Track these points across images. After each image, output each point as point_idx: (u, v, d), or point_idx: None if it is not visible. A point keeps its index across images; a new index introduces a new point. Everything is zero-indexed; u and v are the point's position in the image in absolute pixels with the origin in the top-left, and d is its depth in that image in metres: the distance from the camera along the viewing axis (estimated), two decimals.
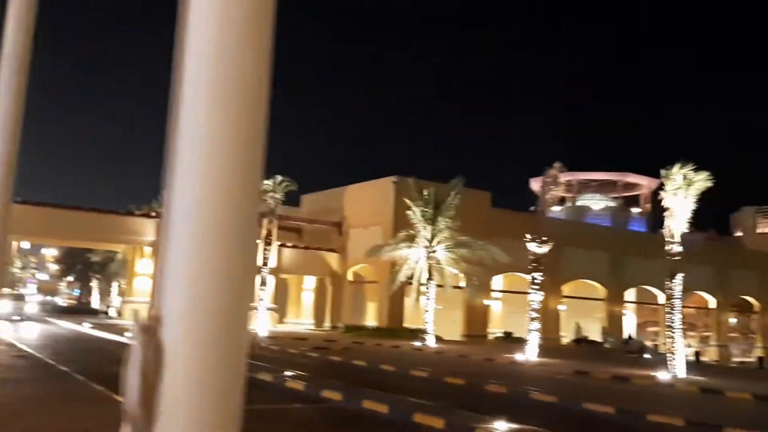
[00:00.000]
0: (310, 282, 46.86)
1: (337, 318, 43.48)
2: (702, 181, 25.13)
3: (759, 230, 47.15)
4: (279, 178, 36.43)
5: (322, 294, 45.65)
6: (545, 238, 29.06)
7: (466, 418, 11.41)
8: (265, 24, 1.11)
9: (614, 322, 41.36)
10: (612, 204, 56.67)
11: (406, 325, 38.71)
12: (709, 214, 48.49)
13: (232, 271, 1.04)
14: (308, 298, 47.05)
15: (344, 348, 27.55)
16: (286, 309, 45.97)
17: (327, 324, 43.75)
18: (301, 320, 45.14)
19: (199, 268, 1.04)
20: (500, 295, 43.04)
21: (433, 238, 33.90)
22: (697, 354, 36.76)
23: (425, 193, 34.37)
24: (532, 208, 37.33)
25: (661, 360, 25.39)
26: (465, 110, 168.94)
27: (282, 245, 39.85)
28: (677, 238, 25.42)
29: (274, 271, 37.64)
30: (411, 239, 34.39)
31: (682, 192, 25.21)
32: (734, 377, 26.34)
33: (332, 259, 44.80)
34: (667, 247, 25.46)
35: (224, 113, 1.04)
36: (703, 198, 25.84)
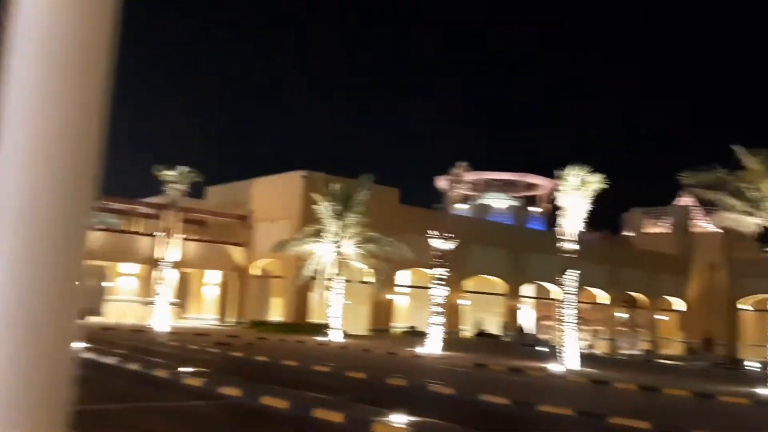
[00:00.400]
0: (213, 276, 45.86)
1: (242, 313, 42.80)
2: (596, 182, 26.46)
3: (645, 230, 50.12)
4: (183, 168, 35.42)
5: (227, 289, 44.82)
6: (450, 235, 29.75)
7: (365, 412, 11.54)
8: (105, 13, 1.07)
9: (513, 317, 42.96)
10: (514, 203, 58.79)
11: (311, 320, 38.63)
12: (605, 215, 51.12)
13: (54, 271, 1.01)
14: (212, 292, 46.05)
15: (247, 344, 27.17)
16: (189, 304, 44.80)
17: (231, 319, 42.99)
18: (204, 315, 44.12)
19: (20, 268, 1.01)
20: (407, 290, 43.74)
21: (341, 233, 33.97)
22: (588, 347, 38.79)
23: (334, 188, 34.39)
24: (437, 206, 38.15)
25: (554, 353, 26.57)
26: (374, 109, 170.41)
27: (186, 238, 38.78)
28: (572, 237, 26.69)
29: (177, 265, 36.59)
30: (318, 234, 34.33)
31: (577, 193, 26.47)
32: (622, 369, 27.91)
33: (237, 253, 44.04)
34: (560, 245, 26.70)
35: (49, 117, 1.00)
36: (599, 199, 27.25)
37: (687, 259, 46.67)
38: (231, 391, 13.37)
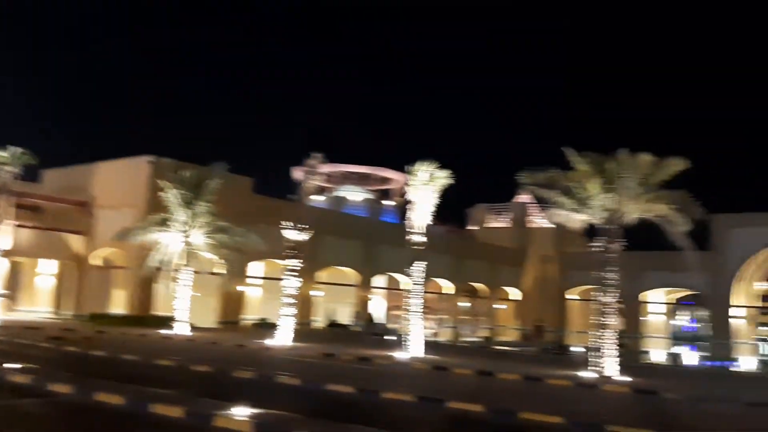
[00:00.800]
0: (49, 266, 42.66)
1: (80, 306, 40.22)
2: (443, 178, 27.65)
3: (488, 225, 53.13)
4: (15, 149, 32.54)
5: (64, 279, 41.88)
6: (304, 226, 29.78)
7: (207, 406, 11.36)
8: None
9: (365, 307, 43.88)
10: (369, 196, 59.95)
11: (157, 312, 37.10)
12: (452, 209, 53.50)
13: None
14: (47, 283, 42.82)
15: (84, 337, 25.61)
16: (20, 296, 41.38)
17: (68, 312, 40.24)
18: (38, 308, 40.96)
19: None
20: (259, 281, 43.22)
21: (189, 222, 32.86)
22: (434, 335, 40.51)
23: (183, 175, 33.17)
24: (292, 197, 38.00)
25: (402, 341, 27.50)
26: (230, 96, 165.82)
27: (18, 225, 35.70)
28: (420, 229, 27.74)
29: (8, 254, 33.62)
30: (165, 223, 32.98)
31: (426, 187, 27.53)
32: (462, 355, 29.45)
33: (76, 241, 41.28)
34: (410, 237, 27.67)
35: None
36: (447, 194, 28.49)
37: (524, 252, 50.05)
38: (62, 387, 12.61)
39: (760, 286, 52.73)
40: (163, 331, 31.20)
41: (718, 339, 41.05)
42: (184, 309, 32.36)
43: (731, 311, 41.73)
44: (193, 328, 32.80)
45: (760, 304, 55.04)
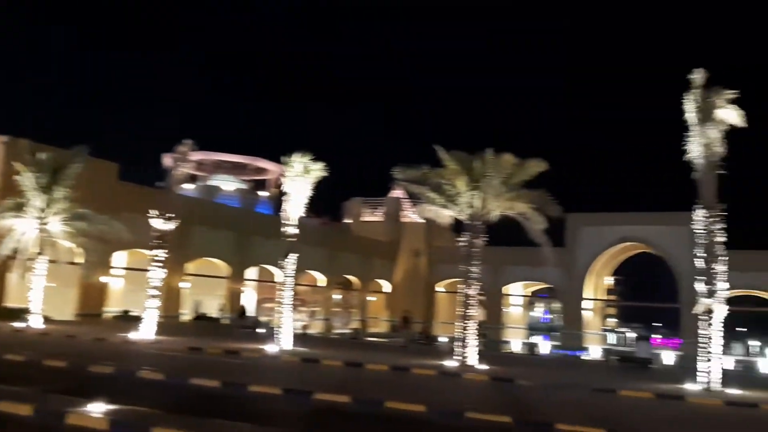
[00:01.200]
0: None
1: None
2: (318, 170, 27.73)
3: (363, 219, 53.86)
4: None
5: None
6: (171, 215, 28.79)
7: (59, 403, 10.81)
8: None
9: (235, 300, 43.11)
10: (242, 186, 58.79)
11: (8, 304, 34.41)
12: (328, 202, 53.73)
13: None
14: None
15: None
16: None
17: None
18: None
19: None
20: (123, 272, 41.25)
21: (46, 208, 30.75)
22: (304, 327, 40.55)
23: (41, 158, 30.96)
24: (161, 184, 36.49)
25: (272, 334, 27.34)
26: (98, 77, 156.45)
27: None
28: (294, 221, 27.67)
29: None
30: (20, 208, 30.66)
31: (300, 179, 27.49)
32: (333, 347, 29.70)
33: None
34: (284, 229, 27.54)
35: None
36: (321, 186, 28.59)
37: (396, 246, 51.25)
38: None
39: (608, 280, 57.32)
40: (15, 324, 29.06)
41: (569, 329, 44.15)
42: (39, 300, 30.28)
43: (583, 304, 44.99)
44: (50, 320, 30.79)
45: (606, 297, 59.87)
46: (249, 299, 45.36)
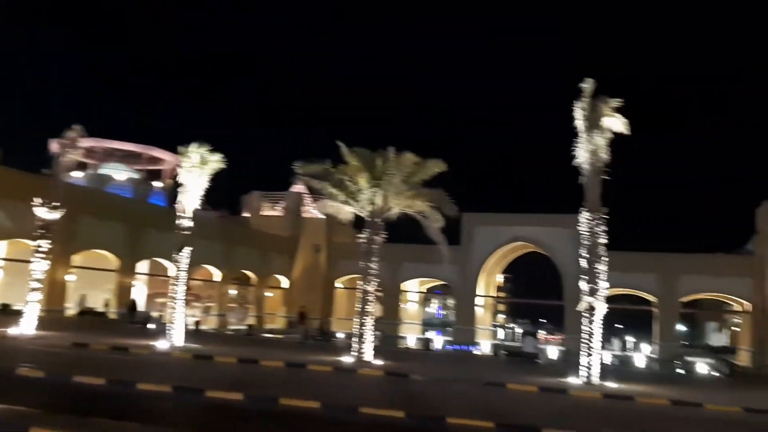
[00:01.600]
0: None
1: None
2: (216, 162, 27.02)
3: (262, 213, 53.02)
4: None
5: None
6: (57, 204, 27.25)
7: None
8: None
9: (126, 294, 41.35)
10: (135, 176, 56.37)
11: None
12: (227, 195, 52.56)
13: None
14: None
15: None
16: None
17: None
18: None
19: None
20: (2, 263, 38.56)
21: None
22: (197, 323, 39.49)
23: None
24: (46, 171, 34.36)
25: (163, 330, 26.47)
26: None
27: None
28: (189, 214, 26.86)
29: None
30: None
31: (197, 170, 26.71)
32: (226, 344, 29.09)
33: None
34: (178, 222, 26.68)
35: None
36: (220, 178, 27.88)
37: (296, 241, 50.81)
38: None
39: (499, 278, 59.50)
40: None
41: (462, 325, 45.45)
42: None
43: (476, 300, 46.41)
44: None
45: (497, 294, 62.17)
46: (140, 293, 43.60)
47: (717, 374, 32.39)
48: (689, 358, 35.36)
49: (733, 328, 53.84)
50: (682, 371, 33.43)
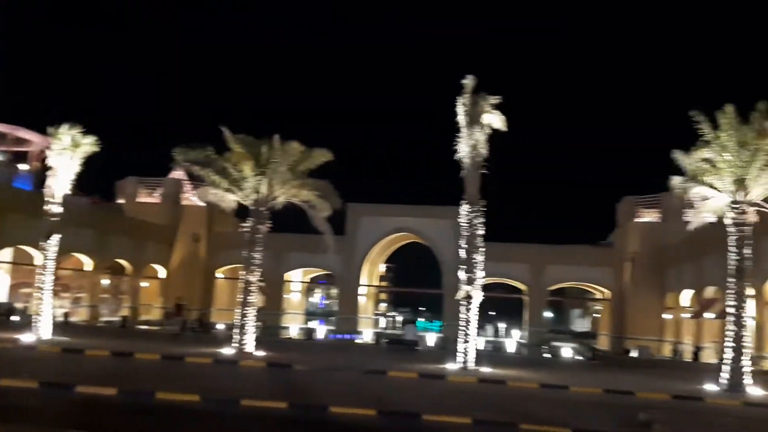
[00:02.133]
0: None
1: None
2: (89, 145, 25.59)
3: (139, 200, 50.66)
4: None
5: None
6: None
7: None
8: None
9: None
10: None
11: None
12: (100, 180, 49.68)
13: None
14: None
15: None
16: None
17: None
18: None
19: None
20: None
21: None
22: (66, 315, 37.29)
23: None
24: None
25: (29, 322, 24.84)
26: None
27: None
28: (58, 199, 25.30)
29: None
30: None
31: (68, 153, 25.18)
32: (98, 336, 27.68)
33: None
34: (46, 207, 25.07)
35: None
36: (93, 163, 26.40)
37: (174, 230, 48.99)
38: None
39: (381, 267, 60.49)
40: None
41: (345, 314, 45.82)
42: None
43: (359, 290, 46.91)
44: None
45: (380, 283, 63.20)
46: (2, 284, 40.54)
47: (580, 358, 34.79)
48: (555, 343, 37.69)
49: (594, 314, 57.85)
50: (548, 355, 35.59)
